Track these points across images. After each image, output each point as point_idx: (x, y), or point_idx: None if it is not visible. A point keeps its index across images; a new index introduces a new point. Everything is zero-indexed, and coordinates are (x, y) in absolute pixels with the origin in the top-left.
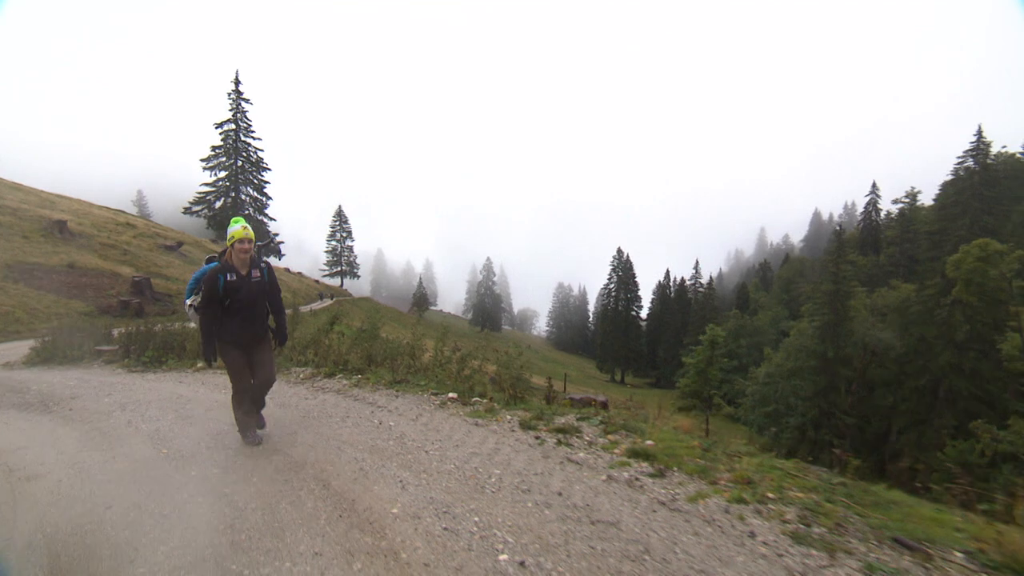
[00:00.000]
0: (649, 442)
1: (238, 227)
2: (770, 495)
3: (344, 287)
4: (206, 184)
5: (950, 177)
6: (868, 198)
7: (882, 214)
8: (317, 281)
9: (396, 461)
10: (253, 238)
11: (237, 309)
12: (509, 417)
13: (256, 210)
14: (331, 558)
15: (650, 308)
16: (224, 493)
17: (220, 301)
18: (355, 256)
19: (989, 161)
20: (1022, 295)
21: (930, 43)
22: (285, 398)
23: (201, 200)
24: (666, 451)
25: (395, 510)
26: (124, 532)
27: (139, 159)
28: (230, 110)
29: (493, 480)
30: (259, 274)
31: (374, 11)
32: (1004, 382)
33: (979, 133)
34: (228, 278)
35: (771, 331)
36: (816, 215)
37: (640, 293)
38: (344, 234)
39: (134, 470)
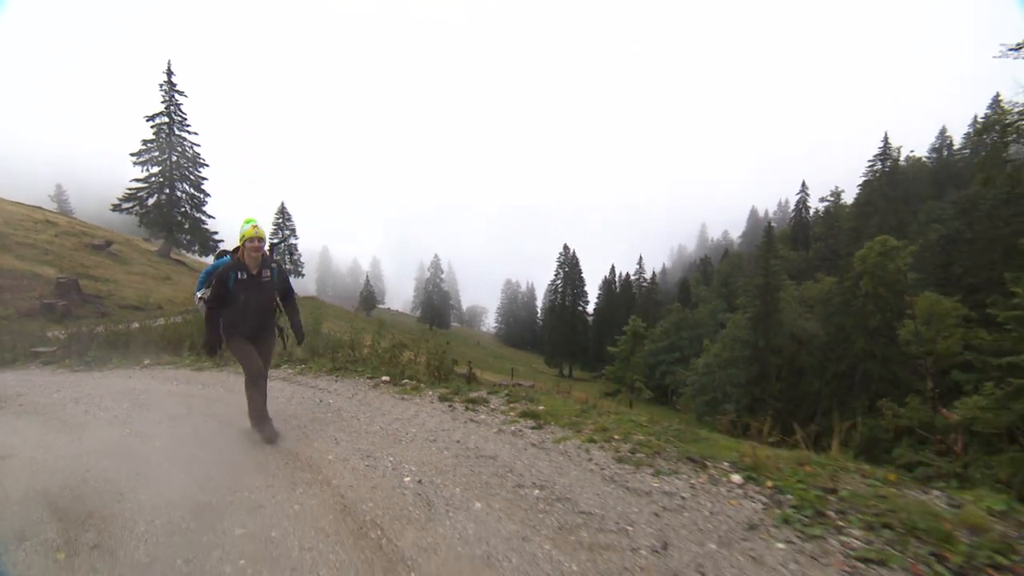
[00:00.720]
0: (541, 407)
1: (249, 227)
2: (616, 437)
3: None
4: (137, 180)
5: (867, 178)
6: (798, 196)
7: (811, 212)
8: None
9: (333, 427)
10: (264, 237)
11: (246, 307)
12: (431, 393)
13: (193, 207)
14: (279, 487)
15: (596, 303)
16: (190, 455)
17: (230, 298)
18: (299, 254)
19: (901, 163)
20: (915, 285)
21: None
22: (236, 385)
23: (132, 197)
24: (550, 412)
25: (330, 457)
26: (107, 486)
27: (55, 150)
28: (162, 102)
29: (409, 435)
30: (269, 274)
31: (327, 5)
32: (905, 364)
33: (885, 140)
34: (239, 276)
35: (710, 323)
36: (753, 212)
37: (586, 288)
38: (288, 231)
39: (101, 447)
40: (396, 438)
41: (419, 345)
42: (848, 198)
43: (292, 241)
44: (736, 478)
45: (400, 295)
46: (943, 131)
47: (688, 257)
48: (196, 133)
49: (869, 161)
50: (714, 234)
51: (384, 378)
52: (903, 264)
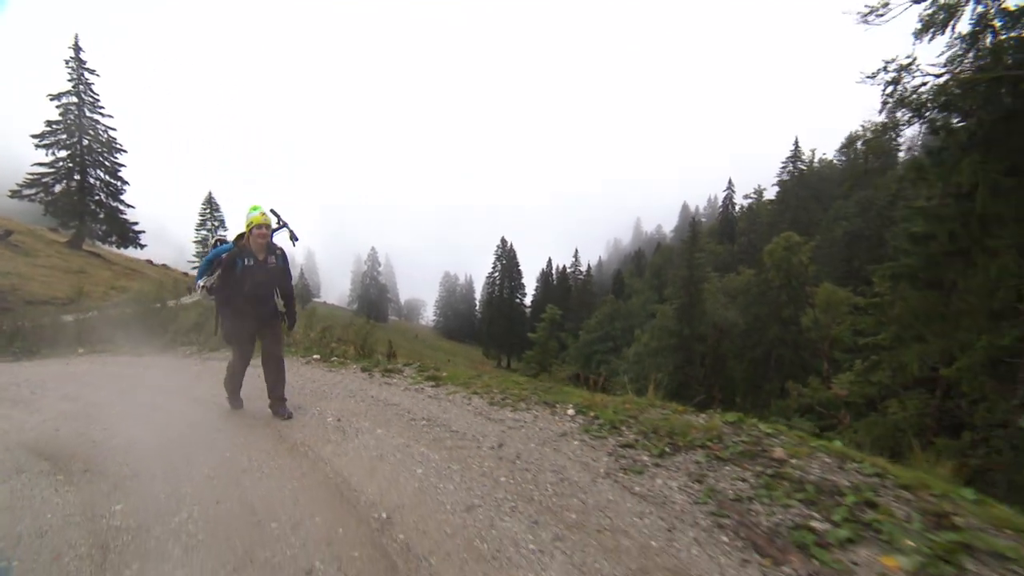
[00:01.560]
0: (443, 374)
1: (256, 213)
2: (495, 391)
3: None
4: (41, 164)
5: (784, 178)
6: (725, 194)
7: (736, 208)
8: (186, 274)
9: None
10: (271, 224)
11: (252, 292)
12: (355, 367)
13: (109, 195)
14: (230, 431)
15: (534, 295)
16: (149, 417)
17: (237, 284)
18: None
19: (815, 164)
20: (823, 277)
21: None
22: (180, 365)
23: (35, 182)
24: (450, 377)
25: (263, 410)
26: (79, 438)
27: None
28: (70, 80)
29: (333, 393)
30: (274, 260)
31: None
32: (809, 348)
33: (796, 144)
34: (246, 262)
35: (642, 314)
36: (684, 207)
37: (524, 281)
38: (216, 223)
39: (64, 414)
40: (322, 395)
41: (346, 330)
42: (770, 195)
43: (221, 233)
44: (571, 411)
45: (336, 288)
46: (850, 135)
47: (623, 250)
48: (111, 116)
49: (782, 163)
50: (648, 228)
51: (315, 356)
52: (805, 258)
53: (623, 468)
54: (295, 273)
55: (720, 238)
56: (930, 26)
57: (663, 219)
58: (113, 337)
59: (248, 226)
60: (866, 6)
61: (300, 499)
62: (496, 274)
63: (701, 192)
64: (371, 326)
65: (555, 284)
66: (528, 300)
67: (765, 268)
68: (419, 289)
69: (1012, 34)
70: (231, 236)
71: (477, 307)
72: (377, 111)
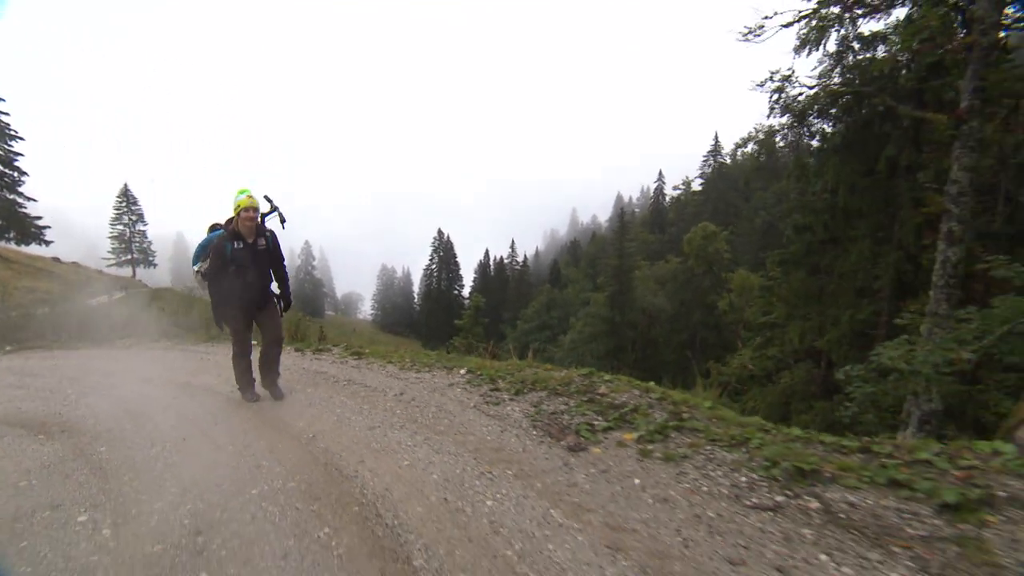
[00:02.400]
0: (367, 351)
1: (243, 197)
2: (408, 360)
3: (138, 277)
4: None
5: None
6: (656, 184)
7: (667, 198)
8: (100, 272)
9: (213, 372)
10: (258, 207)
11: (243, 275)
12: (289, 348)
13: (5, 187)
14: (181, 398)
15: (472, 286)
16: (109, 393)
17: (227, 268)
18: (149, 241)
19: (738, 158)
20: (742, 264)
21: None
22: (122, 355)
23: None
24: (372, 353)
25: (213, 382)
26: (43, 412)
27: None
28: None
29: (225, 364)
30: (264, 242)
31: None
32: (729, 330)
33: (716, 138)
34: (236, 246)
35: (578, 302)
36: (619, 198)
37: (461, 272)
38: (134, 217)
39: (15, 399)
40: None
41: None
42: (698, 187)
43: (140, 227)
44: (463, 372)
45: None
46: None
47: (560, 240)
48: (3, 100)
49: (703, 157)
50: (584, 218)
51: (253, 342)
52: (721, 246)
53: (486, 402)
54: None
55: (651, 227)
56: (806, 43)
57: (598, 209)
58: (42, 334)
59: (236, 210)
60: (745, 27)
61: (249, 433)
62: (433, 266)
63: (635, 183)
64: (305, 319)
65: (493, 275)
66: (466, 291)
67: (688, 256)
68: (356, 283)
69: (866, 55)
70: (146, 231)
71: (416, 300)
72: (308, 98)
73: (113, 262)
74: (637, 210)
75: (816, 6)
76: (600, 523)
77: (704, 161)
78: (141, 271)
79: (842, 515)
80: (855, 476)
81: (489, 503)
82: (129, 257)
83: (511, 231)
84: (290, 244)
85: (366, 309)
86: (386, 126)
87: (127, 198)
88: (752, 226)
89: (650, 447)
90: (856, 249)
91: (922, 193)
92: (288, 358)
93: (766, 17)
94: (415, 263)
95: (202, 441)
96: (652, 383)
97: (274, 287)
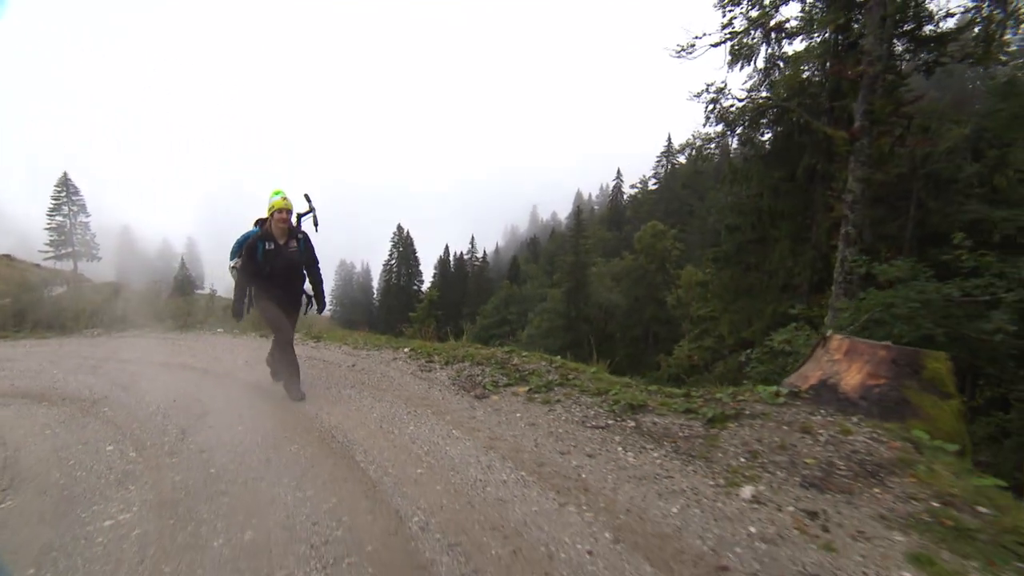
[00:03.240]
0: (325, 335)
1: (278, 198)
2: (360, 342)
3: (79, 271)
4: None
5: (659, 171)
6: (614, 183)
7: (625, 196)
8: (38, 265)
9: (187, 354)
10: (292, 209)
11: (274, 276)
12: (254, 334)
13: None
14: (150, 370)
15: (431, 282)
16: (89, 368)
17: (259, 267)
18: (92, 234)
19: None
20: (693, 261)
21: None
22: (94, 342)
23: None
24: (329, 337)
25: (191, 361)
26: (37, 386)
27: None
28: None
29: (238, 350)
30: (295, 244)
31: None
32: (678, 325)
33: (669, 140)
34: (267, 246)
35: (536, 298)
36: (578, 195)
37: (421, 268)
38: (75, 208)
39: (4, 378)
40: (231, 349)
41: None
42: (653, 185)
43: (82, 219)
44: (406, 350)
45: (222, 279)
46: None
47: (520, 237)
48: None
49: (657, 158)
50: (544, 215)
51: (219, 330)
52: (669, 243)
53: (421, 370)
54: (173, 264)
55: (609, 225)
56: (737, 59)
57: (559, 206)
58: (4, 325)
59: (269, 210)
60: (678, 45)
61: (231, 393)
62: (393, 261)
63: (595, 180)
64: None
65: (453, 271)
66: (425, 287)
67: (639, 253)
68: None
69: (788, 73)
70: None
71: (375, 295)
72: (263, 88)
73: (51, 255)
74: (596, 207)
75: (739, 30)
76: (485, 436)
77: (658, 162)
78: (84, 265)
79: (645, 429)
80: (667, 408)
81: (411, 428)
82: (70, 250)
83: (472, 227)
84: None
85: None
86: (347, 119)
87: (67, 188)
88: (705, 225)
89: (535, 395)
90: (779, 248)
91: (832, 200)
92: (254, 342)
93: (696, 37)
94: (375, 258)
95: (191, 402)
96: (559, 357)
97: (308, 288)
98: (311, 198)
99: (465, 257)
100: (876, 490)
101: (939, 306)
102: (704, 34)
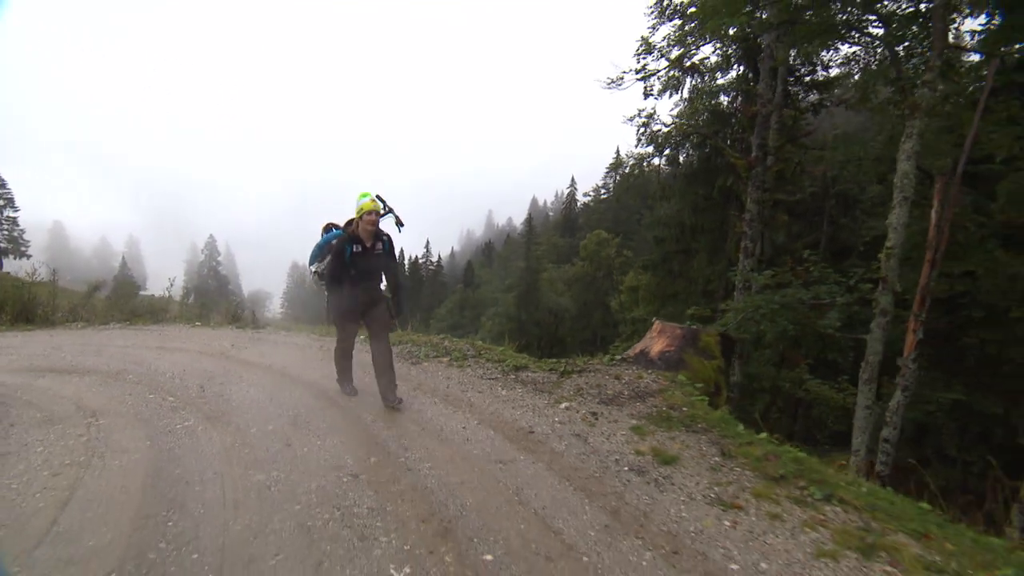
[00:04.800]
0: (292, 329)
1: (367, 200)
2: (324, 333)
3: (3, 269)
4: None
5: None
6: (568, 190)
7: (579, 204)
8: None
9: (178, 341)
10: (381, 211)
11: (359, 279)
12: (230, 327)
13: None
14: (151, 353)
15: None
16: (92, 352)
17: (345, 271)
18: (21, 230)
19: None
20: (621, 267)
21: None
22: (81, 333)
23: None
24: (297, 329)
25: (181, 346)
26: (54, 364)
27: None
28: None
29: (218, 339)
30: (381, 246)
31: None
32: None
33: (617, 152)
34: (355, 249)
35: (489, 303)
36: (534, 201)
37: None
38: (1, 201)
39: (18, 359)
40: (216, 338)
41: (218, 304)
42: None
43: (9, 213)
44: (361, 338)
45: (166, 279)
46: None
47: (476, 241)
48: None
49: (606, 169)
50: (500, 220)
51: (197, 323)
52: (612, 251)
53: None
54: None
55: (563, 231)
56: (666, 88)
57: (515, 211)
58: None
59: (359, 213)
60: (608, 78)
61: (228, 366)
62: None
63: (552, 186)
64: (238, 302)
65: (407, 275)
66: None
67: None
68: (266, 280)
69: (710, 103)
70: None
71: (327, 298)
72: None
73: None
74: (551, 214)
75: (652, 71)
76: (410, 385)
77: (606, 172)
78: (10, 262)
79: (520, 379)
80: (540, 368)
81: (367, 379)
82: None
83: (428, 230)
84: (193, 237)
85: (275, 307)
86: (300, 118)
87: None
88: (650, 234)
89: (454, 363)
90: (699, 258)
91: (735, 217)
92: (234, 332)
93: (624, 72)
94: None
95: (198, 371)
96: (480, 341)
97: (385, 289)
98: (386, 200)
99: (420, 261)
100: (638, 404)
101: (795, 308)
102: (630, 69)
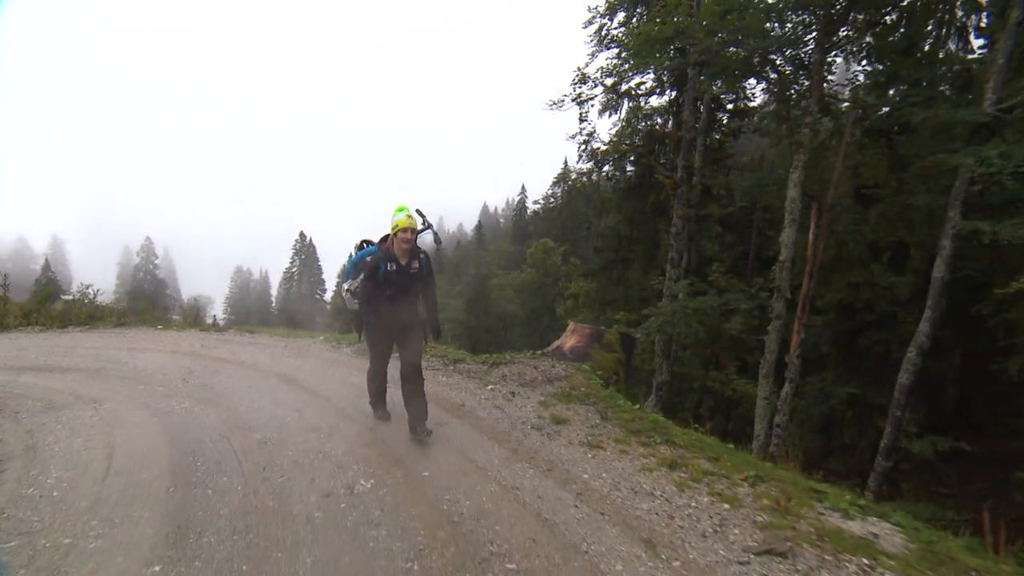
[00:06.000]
0: (256, 332)
1: (403, 216)
2: (286, 335)
3: None
4: None
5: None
6: (519, 197)
7: (529, 211)
8: None
9: (146, 342)
10: (417, 228)
11: (393, 298)
12: (195, 330)
13: None
14: (122, 352)
15: (334, 292)
16: (91, 355)
17: (380, 289)
18: None
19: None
20: (567, 275)
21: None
22: (47, 335)
23: None
24: (259, 331)
25: (151, 347)
26: (53, 364)
27: None
28: None
29: (186, 339)
30: (417, 264)
31: None
32: None
33: (565, 163)
34: (389, 267)
35: (440, 308)
36: (484, 208)
37: (324, 276)
38: None
39: (19, 359)
40: (182, 339)
41: (178, 309)
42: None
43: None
44: (321, 338)
45: (95, 283)
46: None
47: (427, 246)
48: None
49: (554, 179)
50: (451, 226)
51: (159, 326)
52: (559, 260)
53: (332, 348)
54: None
55: (513, 238)
56: (605, 110)
57: (466, 217)
58: None
59: (393, 229)
60: (550, 100)
61: (204, 364)
62: (295, 269)
63: (501, 194)
64: (198, 308)
65: None
66: (328, 296)
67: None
68: (206, 285)
69: (642, 124)
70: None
71: (273, 303)
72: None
73: None
74: (503, 221)
75: (585, 97)
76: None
77: (554, 182)
78: None
79: (457, 369)
80: (474, 361)
81: (330, 371)
82: None
83: (377, 236)
84: (126, 240)
85: (216, 312)
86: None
87: None
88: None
89: None
90: (635, 268)
91: (663, 231)
92: (200, 335)
93: (564, 95)
94: (273, 265)
95: (176, 367)
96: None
97: (421, 310)
98: (424, 215)
99: None
100: (548, 386)
101: (707, 313)
102: (568, 95)
